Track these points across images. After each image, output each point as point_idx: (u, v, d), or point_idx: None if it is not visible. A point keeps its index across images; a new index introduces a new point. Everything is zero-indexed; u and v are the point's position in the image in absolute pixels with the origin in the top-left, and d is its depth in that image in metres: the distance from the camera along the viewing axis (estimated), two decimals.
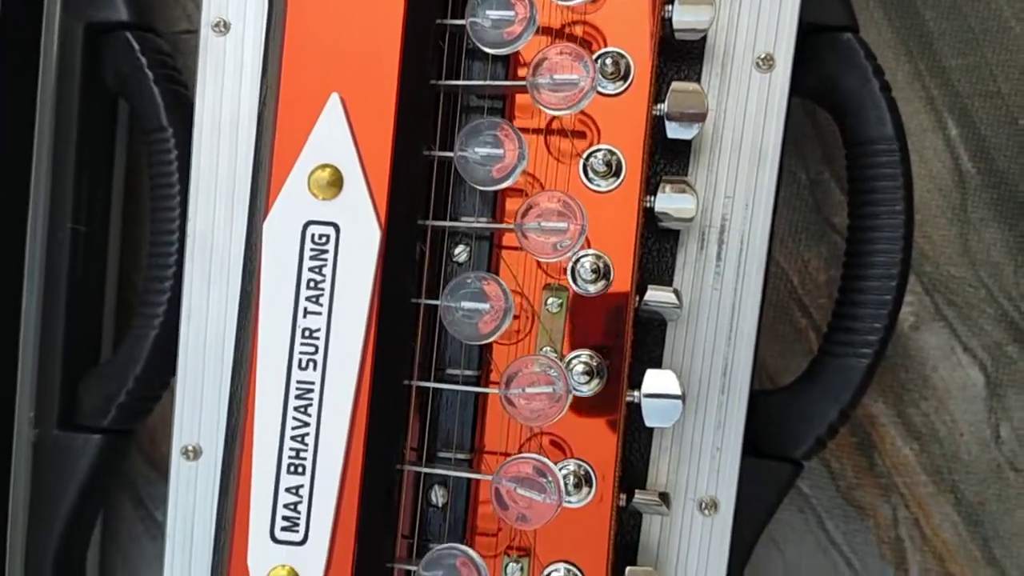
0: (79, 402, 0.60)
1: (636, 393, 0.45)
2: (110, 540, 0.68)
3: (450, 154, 0.45)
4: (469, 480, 0.46)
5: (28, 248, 0.58)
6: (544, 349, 0.46)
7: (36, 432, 0.60)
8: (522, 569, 0.44)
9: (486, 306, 0.42)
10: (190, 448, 0.51)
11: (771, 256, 0.51)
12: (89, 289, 0.63)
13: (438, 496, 0.46)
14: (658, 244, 0.49)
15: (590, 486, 0.45)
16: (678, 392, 0.45)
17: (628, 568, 0.46)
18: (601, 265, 0.44)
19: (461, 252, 0.48)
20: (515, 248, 0.46)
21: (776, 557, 0.64)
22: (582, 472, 0.45)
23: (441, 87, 0.47)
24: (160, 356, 0.58)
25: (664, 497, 0.46)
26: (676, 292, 0.48)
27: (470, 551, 0.42)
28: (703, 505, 0.48)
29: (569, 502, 0.44)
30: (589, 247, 0.45)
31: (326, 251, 0.43)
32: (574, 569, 0.44)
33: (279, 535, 0.40)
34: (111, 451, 0.60)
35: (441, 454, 0.47)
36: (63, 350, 0.60)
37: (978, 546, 0.63)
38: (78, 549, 0.62)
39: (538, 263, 0.46)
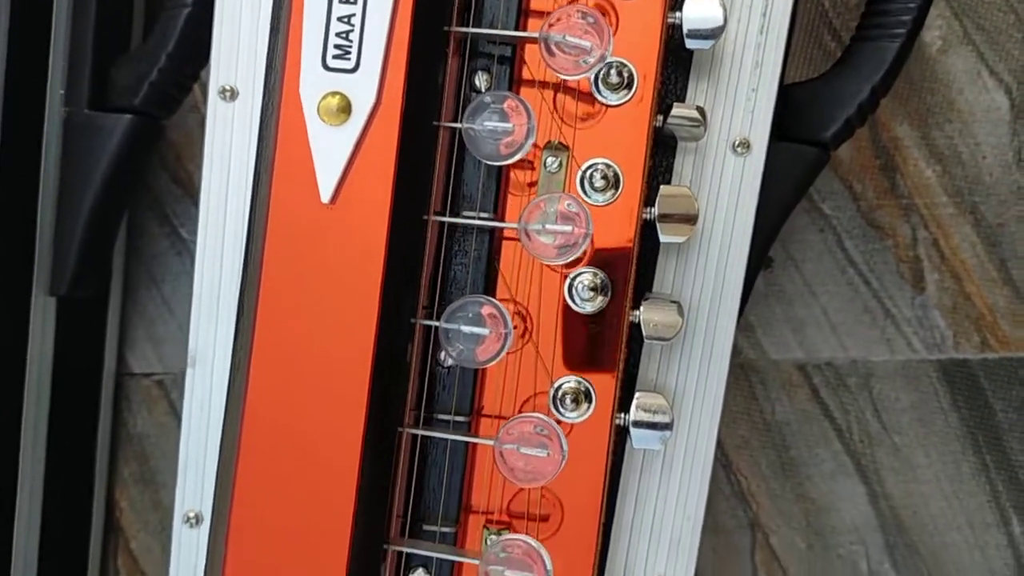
0: (110, 82, 0.60)
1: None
2: (135, 257, 0.69)
3: None
4: None
5: None
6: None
7: (67, 111, 0.60)
8: (560, 164, 0.45)
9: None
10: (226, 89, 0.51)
11: None
12: None
13: None
14: None
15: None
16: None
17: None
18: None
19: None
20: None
21: (794, 274, 0.65)
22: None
23: None
24: (192, 38, 0.58)
25: (701, 112, 0.46)
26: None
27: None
28: (736, 145, 0.49)
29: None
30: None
31: None
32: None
33: (331, 63, 0.40)
34: (140, 135, 0.60)
35: None
36: (94, 33, 0.60)
37: (995, 266, 0.64)
38: (104, 241, 0.62)
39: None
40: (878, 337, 0.65)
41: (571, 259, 0.44)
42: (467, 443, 0.47)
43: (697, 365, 0.50)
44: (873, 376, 0.65)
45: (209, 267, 0.54)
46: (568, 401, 0.44)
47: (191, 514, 0.52)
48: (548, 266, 0.46)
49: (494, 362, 0.43)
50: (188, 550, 0.52)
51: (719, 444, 0.66)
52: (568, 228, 0.43)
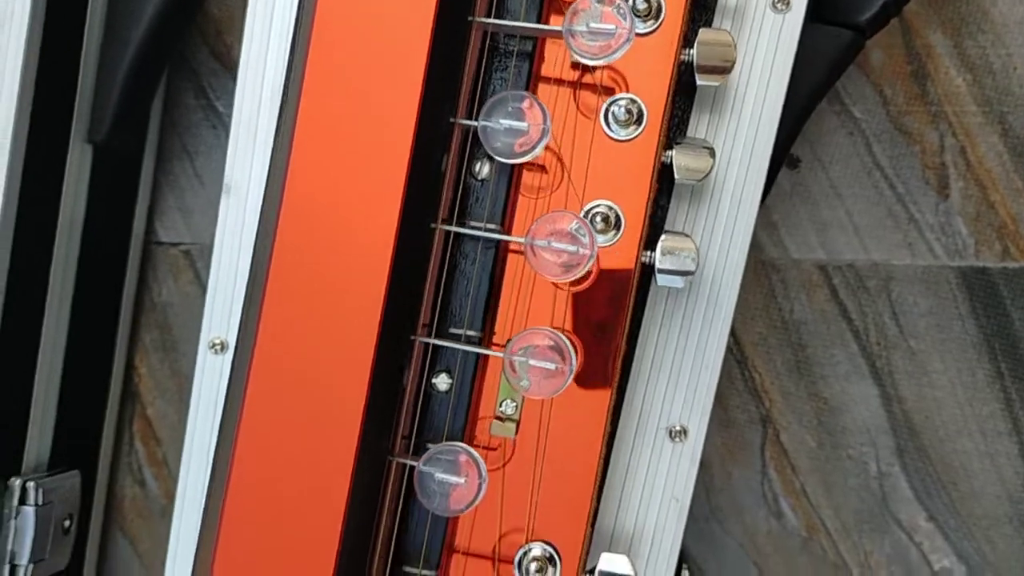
0: None
1: None
2: (169, 128, 0.70)
3: None
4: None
5: None
6: None
7: None
8: None
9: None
10: None
11: None
12: None
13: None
14: None
15: None
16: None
17: None
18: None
19: None
20: None
21: (821, 175, 0.66)
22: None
23: None
24: None
25: None
26: None
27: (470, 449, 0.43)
28: (776, 1, 0.50)
29: None
30: None
31: None
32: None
33: None
34: None
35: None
36: None
37: (1020, 176, 0.65)
38: (144, 92, 0.63)
39: None
40: (900, 241, 0.65)
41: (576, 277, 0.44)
42: (499, 245, 0.47)
43: (725, 215, 0.50)
44: (893, 280, 0.65)
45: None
46: (599, 221, 0.45)
47: (216, 341, 0.53)
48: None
49: None
50: (211, 376, 0.53)
51: (736, 340, 0.67)
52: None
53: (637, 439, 0.50)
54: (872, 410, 0.66)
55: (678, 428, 0.50)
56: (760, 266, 0.66)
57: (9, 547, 0.58)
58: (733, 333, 0.67)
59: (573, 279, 0.42)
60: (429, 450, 0.42)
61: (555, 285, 0.46)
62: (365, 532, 0.44)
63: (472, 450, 0.41)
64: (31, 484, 0.59)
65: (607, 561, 0.47)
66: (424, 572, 0.46)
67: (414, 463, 0.43)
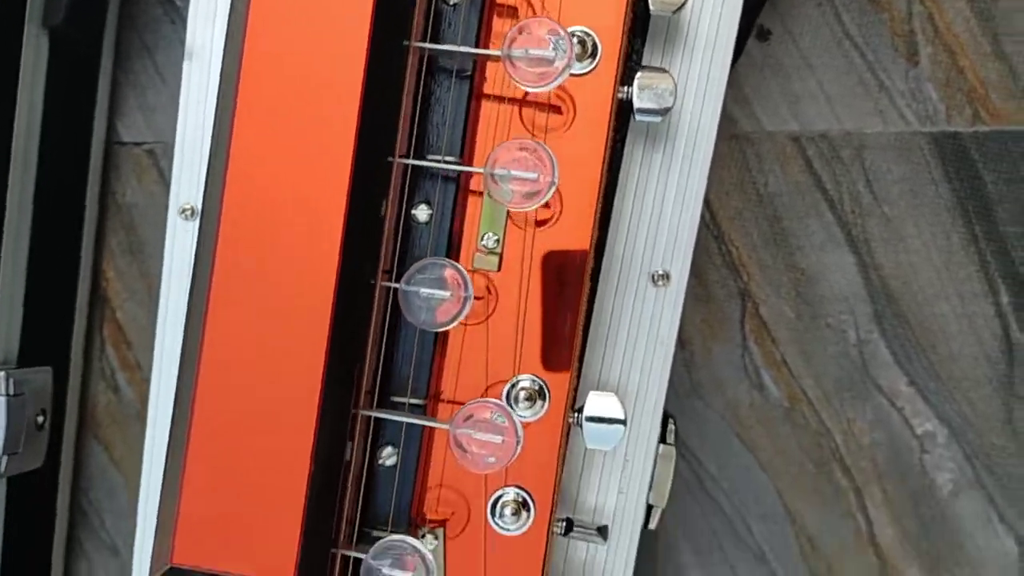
0: None
1: None
2: (128, 24, 0.68)
3: None
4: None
5: None
6: None
7: None
8: None
9: None
10: None
11: None
12: None
13: None
14: None
15: None
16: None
17: None
18: None
19: None
20: None
21: (791, 47, 0.65)
22: None
23: None
24: None
25: None
26: None
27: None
28: None
29: None
30: None
31: None
32: None
33: None
34: None
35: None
36: None
37: (988, 41, 0.65)
38: None
39: None
40: (872, 109, 0.65)
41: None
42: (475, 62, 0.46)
43: (700, 56, 0.49)
44: (866, 148, 0.65)
45: None
46: (576, 43, 0.44)
47: (187, 207, 0.52)
48: None
49: None
50: (183, 242, 0.52)
51: (712, 215, 0.66)
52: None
53: (620, 286, 0.50)
54: (849, 278, 0.66)
55: (660, 272, 0.50)
56: (734, 140, 0.66)
57: None
58: (709, 208, 0.67)
59: (548, 87, 0.41)
60: (413, 266, 0.41)
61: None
62: (350, 367, 0.43)
63: (458, 265, 0.40)
64: (2, 374, 0.57)
65: (595, 400, 0.46)
66: (412, 400, 0.45)
67: (398, 285, 0.42)
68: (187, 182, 0.52)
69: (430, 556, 0.40)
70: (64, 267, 0.66)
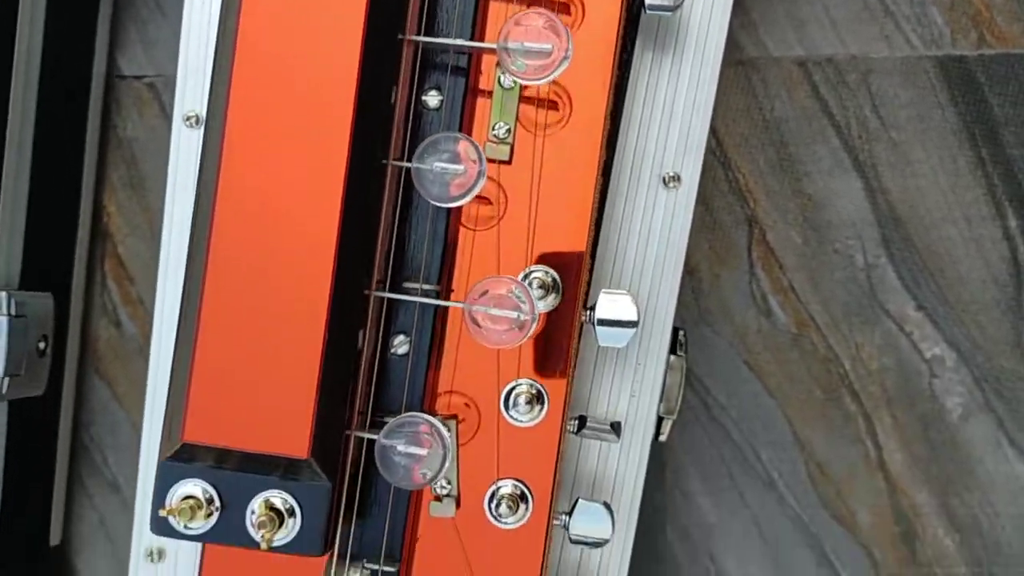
0: None
1: None
2: None
3: None
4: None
5: None
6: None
7: None
8: None
9: None
10: None
11: None
12: None
13: None
14: None
15: None
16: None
17: None
18: None
19: None
20: None
21: None
22: None
23: None
24: None
25: None
26: None
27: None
28: None
29: None
30: None
31: None
32: None
33: None
34: None
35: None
36: None
37: None
38: None
39: None
40: (877, 34, 0.65)
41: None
42: None
43: None
44: (872, 72, 0.65)
45: None
46: None
47: (191, 115, 0.51)
48: None
49: None
50: (188, 150, 0.51)
51: (718, 141, 0.66)
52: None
53: (631, 187, 0.49)
54: (856, 203, 0.65)
55: (671, 174, 0.49)
56: (740, 66, 0.66)
57: None
58: (715, 134, 0.66)
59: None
60: (426, 141, 0.40)
61: None
62: (362, 247, 0.43)
63: (471, 139, 0.40)
64: (3, 294, 0.57)
65: (608, 300, 0.46)
66: (425, 287, 0.45)
67: (410, 164, 0.41)
68: (191, 92, 0.51)
69: (445, 431, 0.40)
70: (65, 198, 0.66)
